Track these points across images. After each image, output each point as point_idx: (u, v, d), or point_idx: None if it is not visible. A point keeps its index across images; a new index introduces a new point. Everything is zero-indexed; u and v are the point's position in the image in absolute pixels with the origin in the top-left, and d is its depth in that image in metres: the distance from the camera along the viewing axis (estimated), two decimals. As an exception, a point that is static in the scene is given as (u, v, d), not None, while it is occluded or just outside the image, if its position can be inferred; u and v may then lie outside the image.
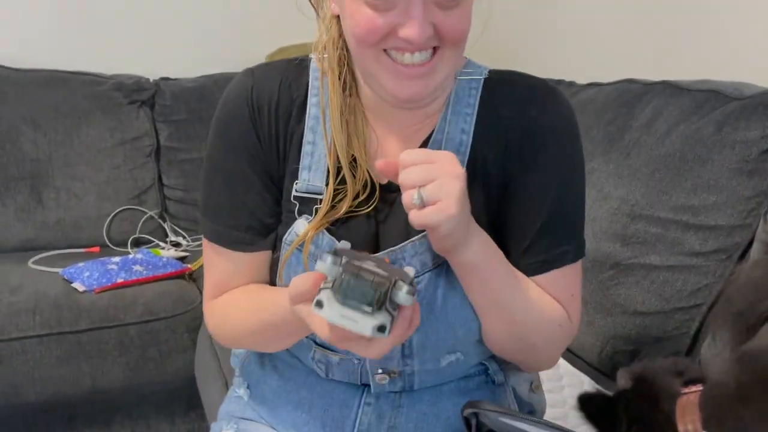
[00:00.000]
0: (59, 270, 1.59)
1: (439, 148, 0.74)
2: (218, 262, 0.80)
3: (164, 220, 1.95)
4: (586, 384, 1.18)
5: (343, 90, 0.76)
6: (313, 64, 0.78)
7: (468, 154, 0.75)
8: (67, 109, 1.87)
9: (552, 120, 0.75)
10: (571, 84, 1.60)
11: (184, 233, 1.93)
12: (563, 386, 1.17)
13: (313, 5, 0.76)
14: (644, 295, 1.18)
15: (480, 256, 0.69)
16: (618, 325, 1.21)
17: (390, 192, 0.76)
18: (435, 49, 0.68)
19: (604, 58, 1.72)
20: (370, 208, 0.75)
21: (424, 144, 0.76)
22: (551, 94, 0.77)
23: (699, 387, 0.58)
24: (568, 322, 0.77)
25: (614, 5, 1.68)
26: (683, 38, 1.49)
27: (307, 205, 0.76)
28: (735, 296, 0.61)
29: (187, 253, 1.81)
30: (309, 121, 0.77)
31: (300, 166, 0.77)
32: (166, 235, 1.92)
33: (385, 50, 0.67)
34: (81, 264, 1.58)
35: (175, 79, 2.07)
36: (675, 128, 1.22)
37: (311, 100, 0.77)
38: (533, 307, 0.74)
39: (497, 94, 0.76)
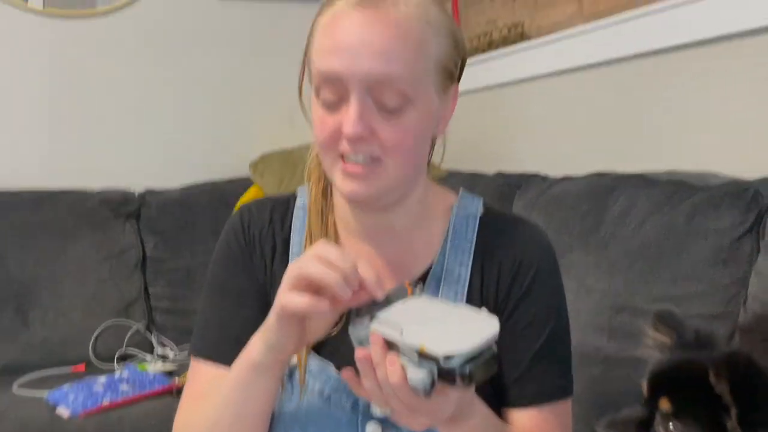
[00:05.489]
0: (45, 394, 1.56)
1: (439, 281, 0.78)
2: (200, 378, 0.80)
3: (151, 332, 1.94)
4: (587, 486, 1.15)
5: (321, 209, 0.81)
6: (299, 202, 0.84)
7: (467, 287, 0.78)
8: (53, 227, 1.90)
9: (540, 264, 0.80)
10: (545, 178, 1.65)
11: (171, 344, 1.91)
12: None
13: (305, 117, 0.81)
14: (637, 390, 1.17)
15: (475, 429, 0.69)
16: (613, 421, 1.19)
17: None
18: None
19: (573, 151, 1.78)
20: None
21: (423, 277, 0.79)
22: (539, 241, 0.82)
23: None
24: None
25: (579, 101, 1.76)
26: (647, 130, 1.55)
27: None
28: None
29: (174, 366, 1.78)
30: (292, 258, 0.81)
31: None
32: (153, 348, 1.90)
33: (342, 157, 0.72)
34: (66, 386, 1.55)
35: (161, 190, 2.11)
36: (648, 219, 1.25)
37: (293, 238, 0.82)
38: None
39: (492, 234, 0.81)
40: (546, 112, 1.89)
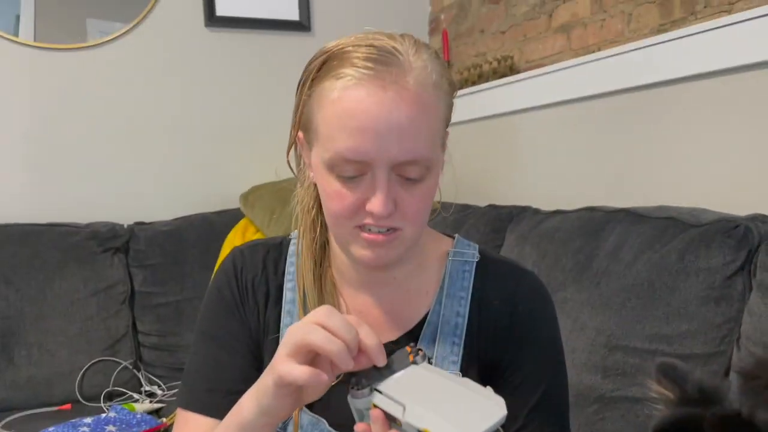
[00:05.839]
0: (28, 436, 1.52)
1: (435, 331, 0.77)
2: (189, 430, 0.78)
3: (138, 370, 1.90)
4: None
5: (317, 261, 0.79)
6: (291, 248, 0.82)
7: (464, 337, 0.77)
8: (40, 262, 1.86)
9: (538, 315, 0.79)
10: (537, 211, 1.65)
11: (159, 381, 1.88)
12: None
13: (293, 172, 0.80)
14: (631, 430, 1.16)
15: None
16: (609, 462, 1.18)
17: None
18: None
19: (564, 184, 1.79)
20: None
21: (419, 326, 0.78)
22: (536, 289, 0.81)
23: None
24: None
25: (570, 134, 1.76)
26: (637, 164, 1.56)
27: None
28: None
29: (162, 404, 1.75)
30: (285, 305, 0.80)
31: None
32: (141, 385, 1.87)
33: (360, 226, 0.70)
34: (51, 428, 1.52)
35: (150, 223, 2.09)
36: (640, 256, 1.24)
37: (287, 285, 0.80)
38: None
39: (488, 281, 0.80)
40: (537, 145, 1.90)
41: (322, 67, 0.68)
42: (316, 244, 0.79)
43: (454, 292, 0.79)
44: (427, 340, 0.77)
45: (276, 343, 0.78)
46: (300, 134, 0.73)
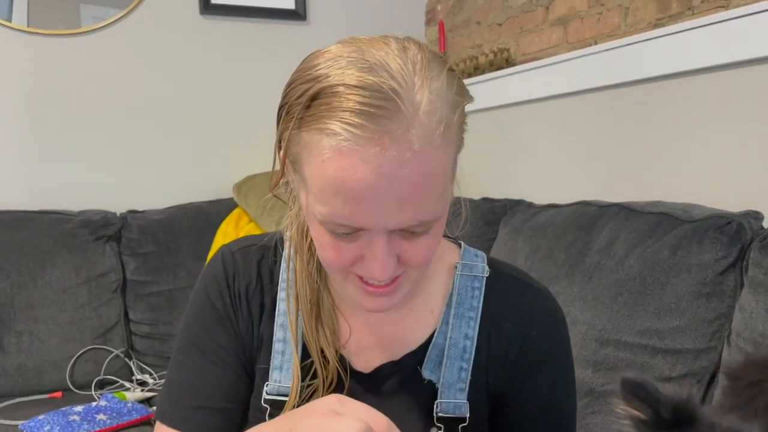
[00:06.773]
0: (19, 423, 1.52)
1: (441, 354, 0.72)
2: None
3: (130, 358, 1.90)
4: None
5: (312, 278, 0.73)
6: (285, 253, 0.75)
7: (472, 361, 0.72)
8: (31, 249, 1.85)
9: (551, 342, 0.74)
10: (530, 205, 1.65)
11: (150, 370, 1.88)
12: None
13: (283, 201, 0.73)
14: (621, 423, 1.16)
15: None
16: (598, 456, 1.18)
17: (368, 382, 0.72)
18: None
19: (558, 178, 1.78)
20: None
21: (423, 347, 0.72)
22: (551, 311, 0.75)
23: None
24: None
25: (564, 128, 1.76)
26: (631, 159, 1.56)
27: (279, 408, 0.71)
28: None
29: (153, 393, 1.75)
30: (278, 318, 0.73)
31: (270, 367, 0.73)
32: (132, 374, 1.86)
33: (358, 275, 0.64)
34: (41, 416, 1.51)
35: (143, 212, 2.08)
36: (632, 251, 1.25)
37: (280, 294, 0.74)
38: None
39: (499, 300, 0.74)
40: (532, 138, 1.89)
41: (311, 105, 0.57)
42: (311, 266, 0.72)
43: (463, 312, 0.72)
44: (433, 364, 0.71)
45: (266, 372, 0.73)
46: (287, 162, 0.63)
